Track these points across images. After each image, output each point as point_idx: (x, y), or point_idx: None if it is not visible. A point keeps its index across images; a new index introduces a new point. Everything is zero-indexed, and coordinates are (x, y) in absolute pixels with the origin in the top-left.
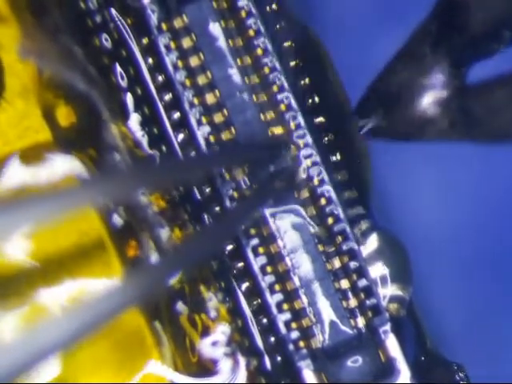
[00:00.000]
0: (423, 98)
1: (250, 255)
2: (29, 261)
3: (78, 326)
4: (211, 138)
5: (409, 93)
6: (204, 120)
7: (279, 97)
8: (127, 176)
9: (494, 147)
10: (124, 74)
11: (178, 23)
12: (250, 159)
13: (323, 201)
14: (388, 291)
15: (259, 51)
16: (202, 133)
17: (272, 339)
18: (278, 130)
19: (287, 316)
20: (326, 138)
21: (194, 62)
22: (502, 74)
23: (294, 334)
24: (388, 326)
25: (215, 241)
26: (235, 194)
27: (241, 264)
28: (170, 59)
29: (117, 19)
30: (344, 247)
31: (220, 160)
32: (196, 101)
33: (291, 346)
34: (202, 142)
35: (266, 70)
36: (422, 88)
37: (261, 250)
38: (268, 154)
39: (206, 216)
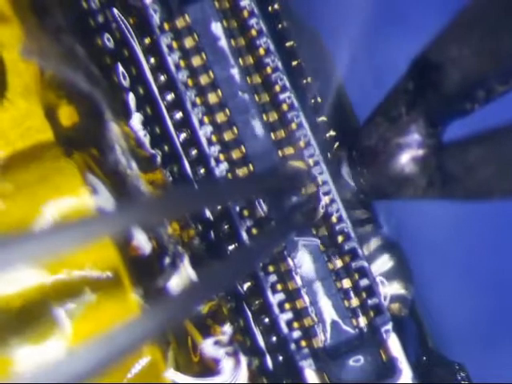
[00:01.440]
0: (400, 156)
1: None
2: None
3: (97, 360)
4: (213, 138)
5: (386, 152)
6: (206, 120)
7: (281, 96)
8: (144, 208)
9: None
10: (126, 74)
11: (180, 23)
12: (269, 190)
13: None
14: (389, 290)
15: (261, 51)
16: (204, 132)
17: (274, 339)
18: (279, 132)
19: (289, 315)
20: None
21: (196, 61)
22: (477, 133)
23: (296, 334)
24: (390, 326)
25: (234, 276)
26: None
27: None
28: (172, 59)
29: (119, 19)
30: (346, 247)
31: (238, 191)
32: (198, 100)
33: (293, 346)
34: (204, 142)
35: (269, 69)
36: (398, 147)
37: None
38: (287, 185)
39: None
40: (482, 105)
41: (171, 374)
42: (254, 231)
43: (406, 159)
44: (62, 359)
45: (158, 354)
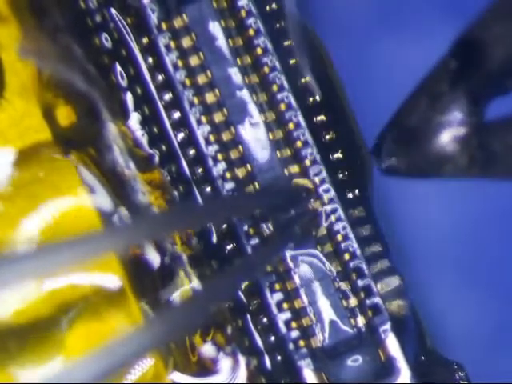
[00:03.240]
0: (442, 135)
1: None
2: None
3: (98, 370)
4: (211, 138)
5: (427, 130)
6: (204, 119)
7: (279, 96)
8: (146, 224)
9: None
10: (124, 74)
11: (177, 23)
12: (271, 205)
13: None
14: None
15: (259, 50)
16: (201, 132)
17: (272, 338)
18: (278, 132)
19: (287, 315)
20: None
21: (193, 61)
22: None
23: (294, 334)
24: (388, 325)
25: (236, 284)
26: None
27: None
28: (169, 59)
29: (117, 19)
30: (343, 246)
31: (240, 206)
32: (196, 100)
33: (291, 346)
34: (202, 142)
35: (266, 69)
36: (440, 125)
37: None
38: (288, 199)
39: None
40: None
41: (173, 375)
42: (255, 238)
43: (448, 138)
44: (63, 371)
45: (156, 356)
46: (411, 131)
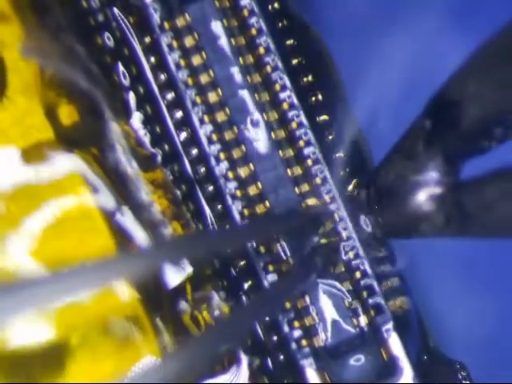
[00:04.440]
0: (418, 194)
1: (252, 255)
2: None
3: None
4: (213, 137)
5: (403, 190)
6: (206, 119)
7: (281, 95)
8: (157, 250)
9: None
10: (126, 73)
11: (180, 22)
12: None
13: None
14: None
15: (261, 50)
16: (204, 131)
17: (275, 338)
18: (280, 131)
19: (290, 315)
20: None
21: (196, 60)
22: (494, 170)
23: (297, 333)
24: (390, 325)
25: (255, 319)
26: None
27: (243, 263)
28: (172, 58)
29: (119, 18)
30: (345, 247)
31: (255, 231)
32: (198, 99)
33: (294, 345)
34: (205, 141)
35: (269, 68)
36: (416, 185)
37: (262, 249)
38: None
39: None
40: (500, 142)
41: None
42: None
43: (424, 197)
44: None
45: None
46: (388, 191)
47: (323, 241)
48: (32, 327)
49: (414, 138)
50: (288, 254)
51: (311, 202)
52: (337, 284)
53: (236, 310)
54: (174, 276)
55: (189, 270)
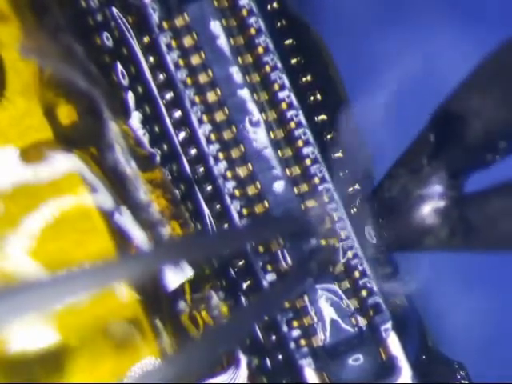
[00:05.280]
0: (422, 208)
1: (251, 254)
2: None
3: None
4: (212, 137)
5: (407, 203)
6: (205, 118)
7: (280, 95)
8: (157, 253)
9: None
10: (125, 73)
11: (179, 22)
12: (286, 233)
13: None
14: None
15: (260, 49)
16: (203, 131)
17: (273, 338)
18: (279, 131)
19: (288, 314)
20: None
21: (195, 60)
22: (498, 183)
23: (296, 333)
24: (389, 325)
25: (254, 321)
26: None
27: (242, 263)
28: (171, 58)
29: (118, 18)
30: (345, 246)
31: (254, 234)
32: (197, 99)
33: (292, 345)
34: (203, 141)
35: (267, 68)
36: (420, 198)
37: (261, 248)
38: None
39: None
40: (504, 156)
41: None
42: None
43: (428, 211)
44: None
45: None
46: (392, 204)
47: (322, 241)
48: (32, 329)
49: (417, 152)
50: (286, 254)
51: (310, 202)
52: (335, 284)
53: (235, 312)
54: (174, 278)
55: (189, 273)
